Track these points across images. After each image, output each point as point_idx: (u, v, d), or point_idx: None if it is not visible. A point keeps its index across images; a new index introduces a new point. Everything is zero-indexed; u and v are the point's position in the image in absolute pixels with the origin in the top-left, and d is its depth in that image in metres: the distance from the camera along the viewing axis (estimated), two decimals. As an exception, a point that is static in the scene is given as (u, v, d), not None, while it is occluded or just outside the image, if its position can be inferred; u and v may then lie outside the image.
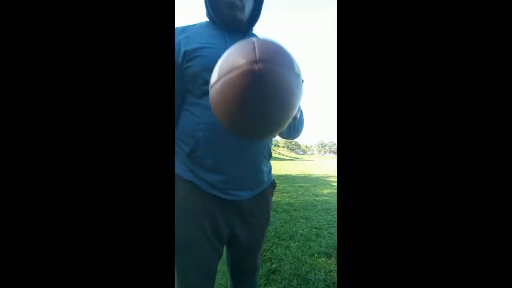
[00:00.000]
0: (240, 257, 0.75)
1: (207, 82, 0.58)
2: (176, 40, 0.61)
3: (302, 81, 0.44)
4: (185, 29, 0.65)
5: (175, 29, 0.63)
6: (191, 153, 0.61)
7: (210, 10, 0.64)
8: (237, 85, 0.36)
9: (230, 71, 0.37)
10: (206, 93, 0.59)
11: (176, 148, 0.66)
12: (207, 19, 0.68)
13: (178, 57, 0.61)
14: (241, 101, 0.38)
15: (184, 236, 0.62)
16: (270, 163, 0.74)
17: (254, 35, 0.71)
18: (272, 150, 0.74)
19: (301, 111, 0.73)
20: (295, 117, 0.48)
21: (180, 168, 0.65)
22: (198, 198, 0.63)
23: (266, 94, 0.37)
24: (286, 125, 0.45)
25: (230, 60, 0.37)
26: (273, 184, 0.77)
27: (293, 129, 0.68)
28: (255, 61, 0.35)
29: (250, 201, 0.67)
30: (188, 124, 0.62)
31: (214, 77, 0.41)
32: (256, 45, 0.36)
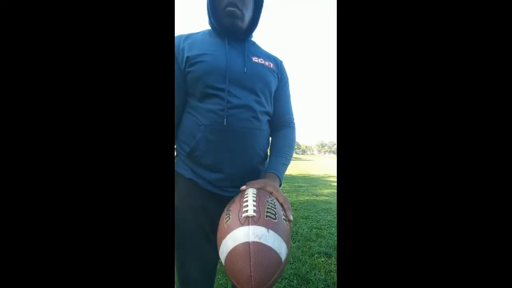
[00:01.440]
0: None
1: (207, 86, 0.61)
2: (180, 46, 0.66)
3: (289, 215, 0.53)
4: (188, 36, 0.69)
5: (179, 36, 0.69)
6: (191, 153, 0.64)
7: (212, 19, 0.69)
8: None
9: (231, 277, 0.44)
10: (206, 96, 0.63)
11: (178, 148, 0.70)
12: (210, 28, 0.73)
13: (181, 62, 0.65)
14: None
15: (183, 232, 0.65)
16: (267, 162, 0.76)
17: (253, 43, 0.76)
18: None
19: (294, 127, 0.79)
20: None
21: (181, 167, 0.68)
22: (197, 195, 0.66)
23: None
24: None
25: (231, 271, 0.43)
26: None
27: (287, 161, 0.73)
28: None
29: None
30: (189, 125, 0.66)
31: (221, 255, 0.48)
32: (252, 271, 0.41)
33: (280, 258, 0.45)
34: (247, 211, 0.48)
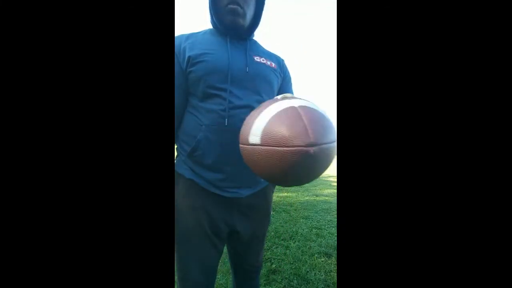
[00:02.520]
0: (242, 252, 0.76)
1: (209, 85, 0.61)
2: (181, 46, 0.65)
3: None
4: (190, 36, 0.69)
5: (181, 36, 0.68)
6: (192, 153, 0.64)
7: (213, 18, 0.68)
8: (289, 161, 0.38)
9: (280, 145, 0.38)
10: (207, 96, 0.63)
11: (179, 148, 0.70)
12: (211, 27, 0.72)
13: (183, 62, 0.64)
14: (290, 173, 0.40)
15: (184, 232, 0.65)
16: None
17: (255, 42, 0.75)
18: None
19: None
20: None
21: (182, 167, 0.68)
22: (198, 195, 0.66)
23: (317, 169, 0.40)
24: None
25: (278, 132, 0.38)
26: None
27: None
28: (311, 145, 0.37)
29: (249, 197, 0.70)
30: (190, 125, 0.65)
31: (253, 137, 0.43)
32: (306, 124, 0.37)
33: (334, 130, 0.40)
34: (285, 96, 0.44)
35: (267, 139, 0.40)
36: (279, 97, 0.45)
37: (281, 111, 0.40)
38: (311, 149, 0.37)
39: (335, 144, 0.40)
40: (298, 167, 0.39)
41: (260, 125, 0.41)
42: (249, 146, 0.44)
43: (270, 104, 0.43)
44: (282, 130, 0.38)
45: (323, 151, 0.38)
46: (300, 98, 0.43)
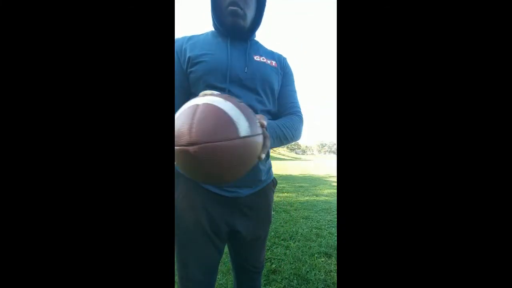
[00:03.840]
0: (244, 253, 0.76)
1: (209, 85, 0.62)
2: (183, 47, 0.66)
3: (264, 129, 0.46)
4: (191, 37, 0.70)
5: (182, 38, 0.69)
6: None
7: (214, 20, 0.69)
8: (179, 159, 0.39)
9: (176, 144, 0.39)
10: None
11: None
12: (213, 30, 0.73)
13: (184, 62, 0.65)
14: (186, 171, 0.41)
15: (184, 231, 0.65)
16: (269, 161, 0.76)
17: (256, 42, 0.75)
18: (271, 150, 0.75)
19: (301, 117, 0.74)
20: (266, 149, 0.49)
21: None
22: (198, 195, 0.66)
23: (207, 168, 0.39)
24: (246, 173, 0.46)
25: (176, 131, 0.39)
26: (273, 182, 0.79)
27: (284, 139, 0.68)
28: (190, 143, 0.37)
29: (249, 197, 0.70)
30: None
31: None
32: (195, 122, 0.37)
33: (236, 127, 0.39)
34: (204, 93, 0.43)
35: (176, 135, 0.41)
36: (201, 93, 0.45)
37: (183, 110, 0.40)
38: (190, 148, 0.37)
39: (232, 142, 0.39)
40: (186, 166, 0.39)
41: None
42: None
43: (187, 102, 0.43)
44: (176, 129, 0.39)
45: (206, 150, 0.37)
46: (218, 96, 0.42)
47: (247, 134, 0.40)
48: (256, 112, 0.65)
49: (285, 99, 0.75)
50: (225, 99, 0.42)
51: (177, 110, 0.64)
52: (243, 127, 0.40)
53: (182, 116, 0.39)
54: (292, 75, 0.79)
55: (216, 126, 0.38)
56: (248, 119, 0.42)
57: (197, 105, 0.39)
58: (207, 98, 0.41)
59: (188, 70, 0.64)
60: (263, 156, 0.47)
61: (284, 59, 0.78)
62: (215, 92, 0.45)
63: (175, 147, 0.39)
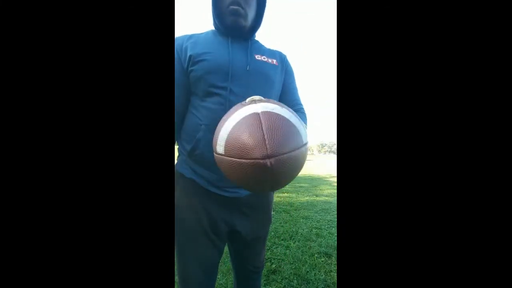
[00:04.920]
0: (244, 253, 0.76)
1: (209, 84, 0.61)
2: (183, 45, 0.66)
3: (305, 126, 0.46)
4: (192, 36, 0.70)
5: (183, 36, 0.69)
6: (191, 152, 0.64)
7: (215, 19, 0.69)
8: (248, 172, 0.38)
9: (241, 157, 0.38)
10: (208, 95, 0.63)
11: (180, 148, 0.71)
12: (214, 29, 0.73)
13: (184, 61, 0.65)
14: (252, 183, 0.40)
15: (184, 231, 0.66)
16: None
17: (256, 42, 0.75)
18: None
19: (305, 114, 0.75)
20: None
21: (182, 167, 0.69)
22: (198, 195, 0.66)
23: (278, 179, 0.38)
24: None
25: (238, 143, 0.38)
26: None
27: None
28: (267, 156, 0.36)
29: (249, 197, 0.70)
30: (190, 124, 0.66)
31: (219, 147, 0.42)
32: (265, 134, 0.36)
33: (300, 135, 0.39)
34: (253, 99, 0.42)
35: (230, 150, 0.40)
36: (247, 100, 0.44)
37: (242, 118, 0.40)
38: (267, 161, 0.36)
39: (299, 150, 0.39)
40: (258, 178, 0.38)
41: (224, 134, 0.41)
42: (217, 155, 0.44)
43: (236, 109, 0.43)
44: (242, 141, 0.38)
45: (281, 162, 0.37)
46: (267, 102, 0.42)
47: (307, 140, 0.41)
48: None
49: (288, 96, 0.75)
50: (279, 105, 0.41)
51: (177, 110, 0.64)
52: (304, 134, 0.40)
53: (245, 127, 0.38)
54: (293, 73, 0.80)
55: (287, 136, 0.38)
56: (302, 124, 0.42)
57: (257, 113, 0.39)
58: (262, 106, 0.40)
59: (189, 69, 0.64)
60: None
61: (285, 56, 0.78)
62: (259, 97, 0.44)
63: (242, 160, 0.38)
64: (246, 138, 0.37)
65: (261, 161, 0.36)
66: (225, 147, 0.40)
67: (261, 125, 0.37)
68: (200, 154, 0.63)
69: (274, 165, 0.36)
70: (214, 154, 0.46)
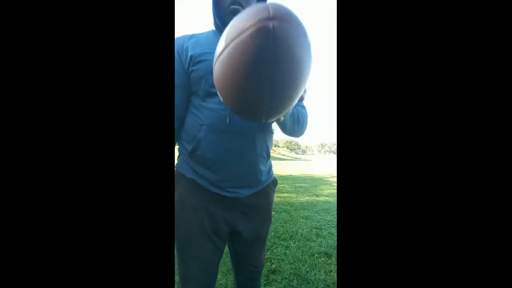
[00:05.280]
0: (244, 253, 0.76)
1: (210, 84, 0.61)
2: (184, 45, 0.66)
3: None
4: (192, 36, 0.69)
5: (183, 36, 0.69)
6: (192, 152, 0.64)
7: (216, 19, 0.68)
8: (248, 47, 0.33)
9: (240, 34, 0.33)
10: (209, 95, 0.63)
11: (180, 148, 0.70)
12: (214, 28, 0.72)
13: (185, 61, 0.65)
14: (252, 66, 0.34)
15: (184, 231, 0.66)
16: (270, 162, 0.76)
17: None
18: (272, 150, 0.75)
19: (305, 107, 0.75)
20: (302, 97, 0.49)
21: (183, 167, 0.69)
22: (199, 195, 0.66)
23: (280, 56, 0.33)
24: (294, 103, 0.42)
25: (239, 22, 0.34)
26: (274, 182, 0.79)
27: (297, 121, 0.69)
28: (269, 18, 0.32)
29: (250, 197, 0.70)
30: (191, 125, 0.66)
31: (220, 46, 0.38)
32: (269, 4, 0.33)
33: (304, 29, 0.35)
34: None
35: (230, 35, 0.35)
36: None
37: (247, 8, 0.36)
38: (270, 23, 0.31)
39: (306, 43, 0.35)
40: (258, 53, 0.33)
41: (227, 28, 0.37)
42: (217, 61, 0.39)
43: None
44: (242, 17, 0.34)
45: (286, 31, 0.32)
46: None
47: (310, 45, 0.37)
48: None
49: None
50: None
51: (177, 110, 0.64)
52: (308, 37, 0.37)
53: (245, 12, 0.34)
54: None
55: (291, 15, 0.34)
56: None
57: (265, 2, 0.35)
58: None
59: (190, 69, 0.64)
60: (304, 96, 0.50)
61: None
62: None
63: (242, 35, 0.33)
64: (247, 13, 0.34)
65: (262, 23, 0.32)
66: (225, 38, 0.36)
67: (266, 3, 0.34)
68: (201, 154, 0.63)
69: (277, 28, 0.32)
70: (213, 64, 0.41)
